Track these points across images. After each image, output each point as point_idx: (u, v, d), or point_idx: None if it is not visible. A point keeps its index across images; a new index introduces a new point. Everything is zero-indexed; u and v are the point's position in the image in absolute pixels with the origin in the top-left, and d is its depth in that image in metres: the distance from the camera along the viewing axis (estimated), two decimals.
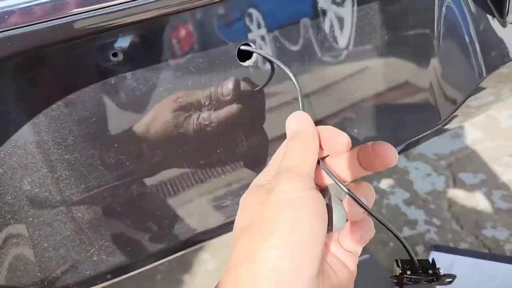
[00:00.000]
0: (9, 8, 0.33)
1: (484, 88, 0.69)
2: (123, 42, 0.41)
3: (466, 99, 0.65)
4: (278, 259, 0.31)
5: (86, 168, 0.43)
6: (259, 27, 0.46)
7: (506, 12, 0.61)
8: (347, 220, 0.38)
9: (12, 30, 0.33)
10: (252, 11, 0.46)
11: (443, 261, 1.11)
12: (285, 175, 0.35)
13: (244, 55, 0.46)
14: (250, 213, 0.35)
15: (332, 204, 0.38)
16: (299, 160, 0.37)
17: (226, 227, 0.53)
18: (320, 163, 0.38)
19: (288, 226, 0.32)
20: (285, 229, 0.32)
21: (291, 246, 0.31)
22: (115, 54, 0.41)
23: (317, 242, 0.32)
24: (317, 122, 0.53)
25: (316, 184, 0.38)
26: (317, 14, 0.49)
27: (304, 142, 0.38)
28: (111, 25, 0.38)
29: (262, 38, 0.47)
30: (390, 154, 0.38)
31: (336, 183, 0.38)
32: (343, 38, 0.53)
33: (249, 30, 0.46)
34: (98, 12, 0.36)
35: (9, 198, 0.41)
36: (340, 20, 0.51)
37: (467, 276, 1.08)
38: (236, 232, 0.36)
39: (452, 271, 1.14)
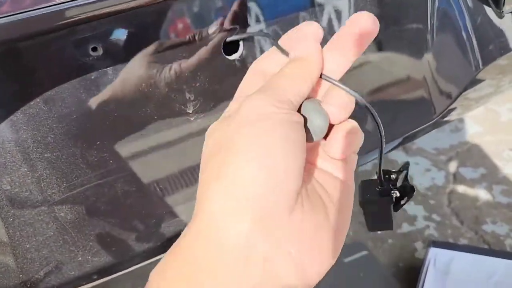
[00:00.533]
0: None
1: (483, 80, 0.68)
2: (102, 36, 0.39)
3: (461, 92, 0.64)
4: (253, 172, 0.28)
5: (68, 167, 0.42)
6: (257, 21, 0.45)
7: (503, 2, 0.59)
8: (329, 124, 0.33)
9: None
10: (251, 4, 0.44)
11: (443, 257, 1.10)
12: (260, 92, 0.31)
13: (231, 49, 0.45)
14: (218, 138, 0.31)
15: (310, 107, 0.32)
16: (287, 84, 0.32)
17: None
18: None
19: (261, 138, 0.28)
20: (258, 141, 0.28)
21: (267, 157, 0.28)
22: (94, 49, 0.40)
23: (295, 152, 0.29)
24: None
25: None
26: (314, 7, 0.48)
27: (303, 70, 0.32)
28: (89, 16, 0.37)
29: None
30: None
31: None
32: None
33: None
34: (76, 2, 0.35)
35: None
36: (338, 13, 0.50)
37: (467, 272, 1.07)
38: (203, 164, 0.31)
39: (452, 267, 1.12)
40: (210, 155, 0.30)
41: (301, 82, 0.32)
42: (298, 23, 0.47)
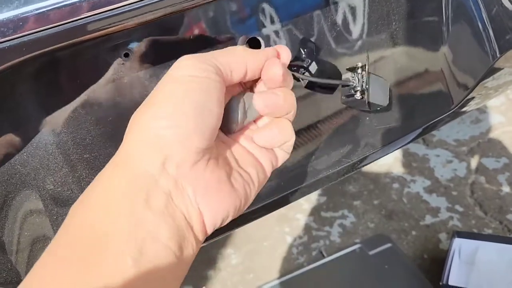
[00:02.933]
0: (24, 15, 0.34)
1: (502, 69, 0.68)
2: (133, 43, 0.42)
3: (479, 82, 0.65)
4: (163, 128, 0.33)
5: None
6: (272, 22, 0.47)
7: None
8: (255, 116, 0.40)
9: (28, 36, 0.35)
10: (265, 6, 0.46)
11: (467, 248, 1.10)
12: (193, 55, 0.36)
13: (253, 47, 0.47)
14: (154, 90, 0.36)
15: (236, 99, 0.39)
16: (221, 54, 0.37)
17: (246, 218, 0.54)
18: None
19: (177, 97, 0.33)
20: (174, 100, 0.33)
21: (177, 116, 0.33)
22: (126, 55, 0.42)
23: (205, 115, 0.33)
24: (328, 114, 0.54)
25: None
26: (329, 4, 0.50)
27: (245, 51, 0.38)
28: (122, 26, 0.39)
29: (276, 32, 0.48)
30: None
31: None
32: (356, 28, 0.53)
33: (263, 25, 0.47)
34: (108, 13, 0.38)
35: (34, 198, 0.43)
36: (353, 9, 0.52)
37: (492, 261, 1.06)
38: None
39: (477, 257, 1.12)
40: (142, 104, 0.35)
41: (235, 57, 0.37)
42: (313, 22, 0.49)
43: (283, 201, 0.56)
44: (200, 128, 0.33)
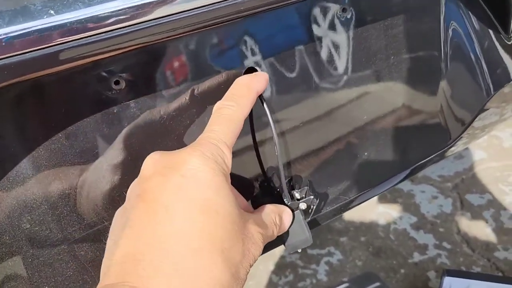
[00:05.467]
0: (8, 35, 0.31)
1: (487, 109, 0.68)
2: (125, 69, 0.39)
3: (475, 117, 0.64)
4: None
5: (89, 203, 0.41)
6: (253, 54, 0.45)
7: (511, 27, 0.60)
8: None
9: (7, 59, 0.31)
10: (247, 38, 0.44)
11: (457, 286, 1.07)
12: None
13: None
14: (153, 193, 0.32)
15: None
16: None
17: None
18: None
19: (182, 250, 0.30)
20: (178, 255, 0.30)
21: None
22: (117, 82, 0.39)
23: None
24: (320, 147, 0.52)
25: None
26: (313, 40, 0.48)
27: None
28: (111, 51, 0.36)
29: (257, 64, 0.45)
30: None
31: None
32: (341, 64, 0.51)
33: (245, 57, 0.44)
34: (97, 37, 0.35)
35: (7, 238, 0.39)
36: (337, 46, 0.50)
37: None
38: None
39: None
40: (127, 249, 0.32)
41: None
42: (295, 57, 0.47)
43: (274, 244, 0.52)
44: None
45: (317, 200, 0.49)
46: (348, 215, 1.40)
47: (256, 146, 0.47)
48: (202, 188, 0.32)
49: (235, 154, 0.42)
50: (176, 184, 0.32)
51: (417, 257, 1.28)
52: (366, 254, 1.29)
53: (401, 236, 1.34)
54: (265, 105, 0.43)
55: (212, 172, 0.32)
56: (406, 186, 1.52)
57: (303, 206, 0.45)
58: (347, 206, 0.58)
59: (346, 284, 1.14)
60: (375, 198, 1.46)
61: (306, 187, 0.47)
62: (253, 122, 0.46)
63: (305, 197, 0.46)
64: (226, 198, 0.32)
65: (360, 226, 1.38)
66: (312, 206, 0.47)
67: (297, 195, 0.46)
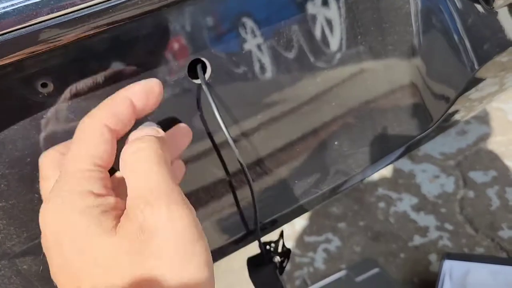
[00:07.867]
0: None
1: (484, 79, 0.64)
2: (51, 70, 0.36)
3: (459, 95, 0.60)
4: None
5: (27, 215, 0.38)
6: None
7: None
8: None
9: None
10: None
11: (459, 270, 1.04)
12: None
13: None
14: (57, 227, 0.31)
15: None
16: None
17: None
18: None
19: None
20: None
21: None
22: (44, 85, 0.36)
23: None
24: (306, 134, 0.49)
25: None
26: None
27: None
28: (32, 50, 0.33)
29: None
30: None
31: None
32: (335, 41, 0.48)
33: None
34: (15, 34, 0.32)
35: None
36: (329, 22, 0.46)
37: (485, 283, 1.00)
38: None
39: (469, 279, 1.05)
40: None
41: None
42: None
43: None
44: None
45: (290, 252, 0.48)
46: (346, 200, 1.37)
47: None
48: None
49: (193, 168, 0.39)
50: None
51: (417, 240, 1.25)
52: (365, 239, 1.26)
53: (401, 219, 1.31)
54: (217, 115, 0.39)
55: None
56: (406, 166, 1.48)
57: (277, 259, 0.44)
58: (323, 198, 0.55)
59: (344, 272, 1.11)
60: (375, 180, 1.42)
61: (281, 239, 0.46)
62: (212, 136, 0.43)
63: (280, 251, 0.46)
64: None
65: (358, 210, 1.34)
66: (286, 261, 0.47)
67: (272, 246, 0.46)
